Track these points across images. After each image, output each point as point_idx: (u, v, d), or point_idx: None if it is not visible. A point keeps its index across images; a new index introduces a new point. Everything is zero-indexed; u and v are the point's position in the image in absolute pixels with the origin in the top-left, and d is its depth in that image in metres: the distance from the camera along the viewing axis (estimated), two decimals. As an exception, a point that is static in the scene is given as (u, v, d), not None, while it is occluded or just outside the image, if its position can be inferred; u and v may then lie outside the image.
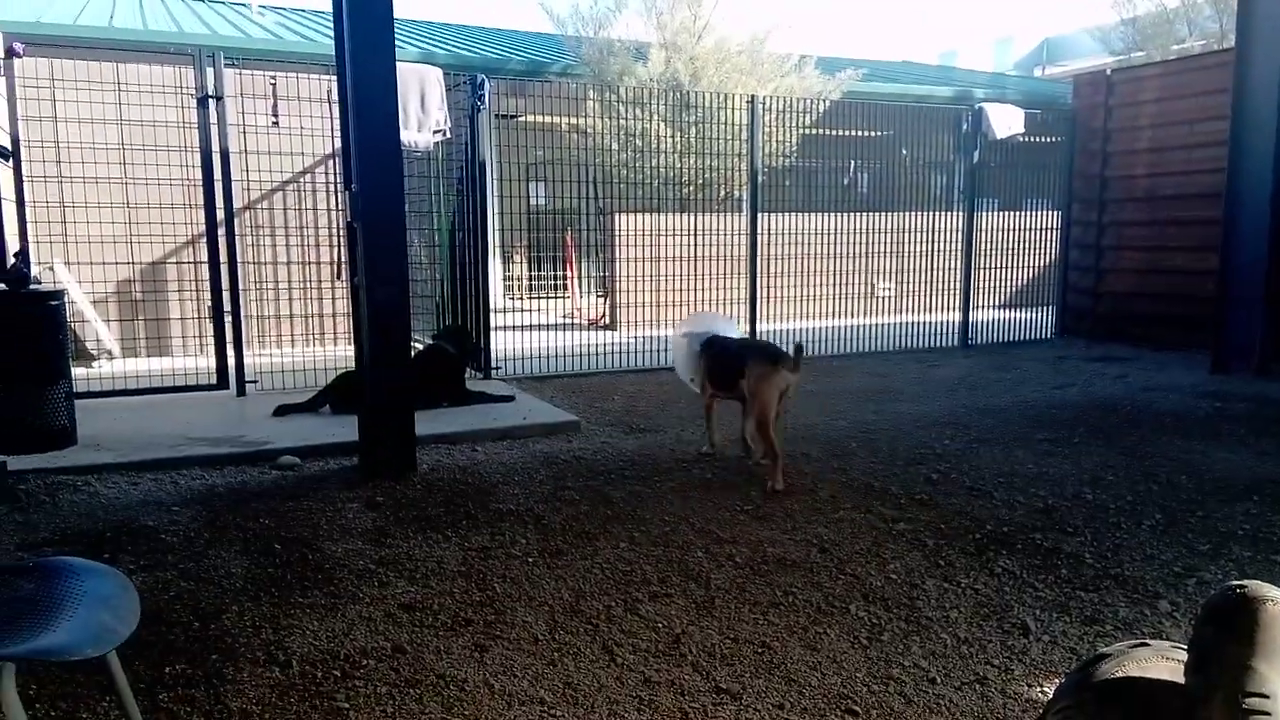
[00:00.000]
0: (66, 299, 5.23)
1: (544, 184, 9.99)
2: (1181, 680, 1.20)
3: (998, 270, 10.08)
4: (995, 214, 10.20)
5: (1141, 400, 6.47)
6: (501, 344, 7.86)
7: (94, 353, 7.77)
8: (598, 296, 11.06)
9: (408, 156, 6.59)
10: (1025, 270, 10.36)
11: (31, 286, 5.04)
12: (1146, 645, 1.33)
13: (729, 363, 4.82)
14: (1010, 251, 10.15)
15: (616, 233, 9.90)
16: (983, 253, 9.82)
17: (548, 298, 12.12)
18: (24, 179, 6.94)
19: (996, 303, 10.16)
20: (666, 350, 8.08)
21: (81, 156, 7.50)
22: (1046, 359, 8.66)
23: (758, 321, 8.68)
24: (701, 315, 6.55)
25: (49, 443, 4.87)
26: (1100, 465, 4.77)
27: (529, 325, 9.80)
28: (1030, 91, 17.43)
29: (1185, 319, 8.78)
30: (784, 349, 4.62)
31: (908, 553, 3.53)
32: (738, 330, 5.45)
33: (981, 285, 9.89)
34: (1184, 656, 1.24)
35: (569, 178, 8.71)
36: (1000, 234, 10.05)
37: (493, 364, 7.45)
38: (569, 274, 11.74)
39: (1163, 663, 1.27)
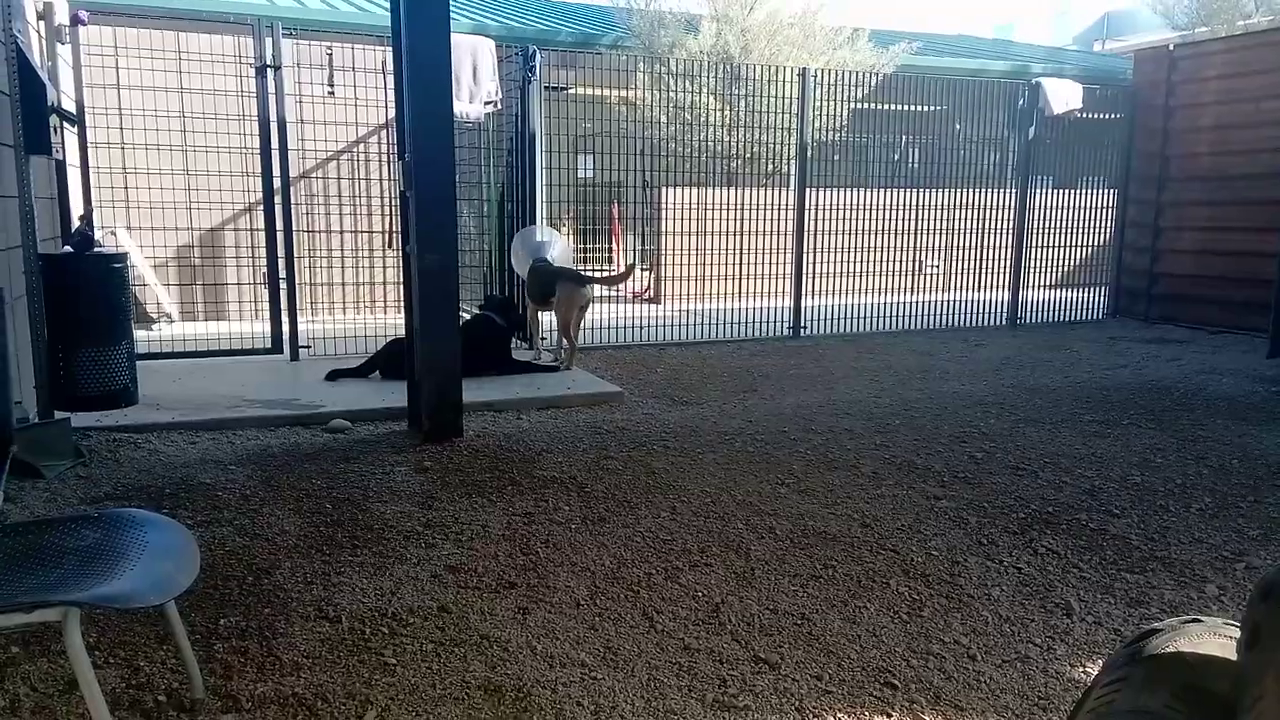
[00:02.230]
0: (128, 263, 5.37)
1: (592, 156, 9.97)
2: (1234, 657, 1.19)
3: (1050, 249, 9.89)
4: (1049, 191, 9.98)
5: (1195, 383, 6.34)
6: (547, 315, 7.89)
7: (154, 316, 7.97)
8: (643, 269, 11.04)
9: (459, 127, 6.62)
10: (1078, 249, 10.14)
11: (96, 250, 5.19)
12: (1199, 622, 1.32)
13: (545, 283, 6.36)
14: (1064, 230, 9.95)
15: (663, 206, 9.88)
16: (1035, 231, 9.64)
17: (594, 270, 12.13)
18: (88, 145, 7.11)
19: (1048, 282, 9.97)
20: (711, 324, 8.09)
21: (143, 124, 7.65)
22: (1098, 340, 8.51)
23: (803, 296, 8.61)
24: (530, 229, 7.37)
25: (111, 401, 5.03)
26: (1150, 448, 4.69)
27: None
28: (1089, 67, 16.98)
29: (1244, 301, 8.55)
30: (585, 274, 6.42)
31: (950, 530, 3.52)
32: (559, 239, 7.07)
33: (1033, 264, 9.71)
34: (1236, 634, 1.23)
35: (617, 150, 8.69)
36: (1054, 212, 9.85)
37: (539, 334, 7.49)
38: (615, 247, 11.74)
39: (1214, 640, 1.26)
